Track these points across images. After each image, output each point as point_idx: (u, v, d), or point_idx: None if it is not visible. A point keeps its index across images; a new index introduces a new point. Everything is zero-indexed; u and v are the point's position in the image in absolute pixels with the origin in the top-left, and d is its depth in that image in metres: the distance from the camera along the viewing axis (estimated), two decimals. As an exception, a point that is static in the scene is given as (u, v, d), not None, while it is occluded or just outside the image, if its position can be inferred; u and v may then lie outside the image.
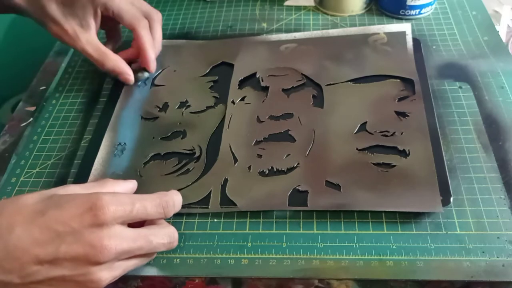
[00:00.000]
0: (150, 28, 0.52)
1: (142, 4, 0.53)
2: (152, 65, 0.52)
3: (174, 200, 0.36)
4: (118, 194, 0.34)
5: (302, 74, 0.52)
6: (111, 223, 0.32)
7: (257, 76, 0.52)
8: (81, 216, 0.31)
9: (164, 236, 0.35)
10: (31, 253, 0.30)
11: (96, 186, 0.36)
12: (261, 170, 0.43)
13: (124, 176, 0.44)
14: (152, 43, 0.52)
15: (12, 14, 0.52)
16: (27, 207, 0.32)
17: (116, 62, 0.51)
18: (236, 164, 0.44)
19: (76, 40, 0.50)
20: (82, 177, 0.45)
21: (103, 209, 0.31)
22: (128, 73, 0.52)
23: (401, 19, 0.59)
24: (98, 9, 0.50)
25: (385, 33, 0.55)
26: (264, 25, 0.61)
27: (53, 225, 0.31)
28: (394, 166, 0.42)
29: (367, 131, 0.45)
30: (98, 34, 0.52)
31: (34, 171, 0.47)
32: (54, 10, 0.49)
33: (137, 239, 0.33)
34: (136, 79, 0.54)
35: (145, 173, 0.44)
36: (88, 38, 0.50)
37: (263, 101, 0.50)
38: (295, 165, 0.43)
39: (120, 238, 0.32)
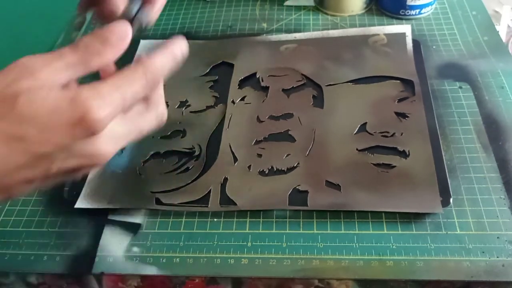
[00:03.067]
0: None
1: None
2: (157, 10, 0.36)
3: (163, 64, 0.31)
4: (105, 91, 0.27)
5: (302, 74, 0.52)
6: (104, 127, 0.27)
7: (257, 76, 0.52)
8: (70, 132, 0.26)
9: (153, 120, 0.32)
10: (18, 177, 0.27)
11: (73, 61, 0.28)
12: (261, 170, 0.43)
13: (124, 174, 0.44)
14: None
15: (11, 14, 0.52)
16: None
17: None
18: (236, 164, 0.44)
19: None
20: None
21: (94, 119, 0.26)
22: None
23: (401, 19, 0.59)
24: None
25: (385, 34, 0.55)
26: (264, 25, 0.61)
27: (38, 149, 0.26)
28: (394, 166, 0.42)
29: (367, 131, 0.45)
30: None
31: (34, 170, 0.47)
32: None
33: (130, 133, 0.30)
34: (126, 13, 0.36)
35: (145, 172, 0.44)
36: None
37: (263, 101, 0.50)
38: (295, 165, 0.43)
39: (115, 140, 0.29)
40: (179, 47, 0.32)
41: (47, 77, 0.27)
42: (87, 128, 0.26)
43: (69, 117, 0.26)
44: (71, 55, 0.28)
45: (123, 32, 0.30)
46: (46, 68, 0.27)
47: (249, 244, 0.39)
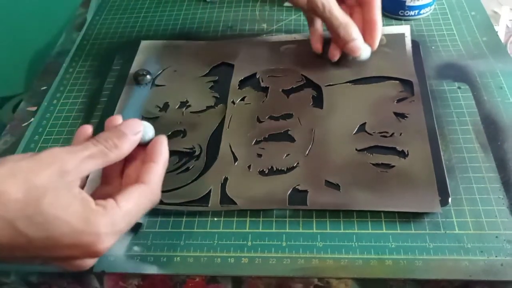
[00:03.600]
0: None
1: None
2: (377, 43, 0.49)
3: (158, 197, 0.35)
4: (118, 220, 0.31)
5: (302, 74, 0.52)
6: (101, 254, 0.31)
7: (257, 77, 0.53)
8: (71, 249, 0.30)
9: (145, 210, 0.34)
10: (12, 261, 0.31)
11: (86, 154, 0.32)
12: (261, 170, 0.43)
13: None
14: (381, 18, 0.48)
15: (12, 14, 0.52)
16: (9, 219, 0.28)
17: (355, 28, 0.48)
18: (236, 163, 0.44)
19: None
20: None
21: (99, 250, 0.30)
22: (360, 39, 0.48)
23: (400, 19, 0.59)
24: None
25: (384, 35, 0.55)
26: (264, 25, 0.61)
27: (34, 251, 0.29)
28: (393, 166, 0.42)
29: (366, 131, 0.45)
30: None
31: (35, 170, 0.47)
32: None
33: (129, 226, 0.33)
34: (139, 82, 0.54)
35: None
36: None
37: (263, 101, 0.50)
38: (295, 165, 0.43)
39: (115, 237, 0.31)
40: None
41: (73, 166, 0.30)
42: (90, 252, 0.30)
43: (78, 239, 0.29)
44: (93, 148, 0.32)
45: (136, 128, 0.35)
46: (73, 158, 0.31)
47: (249, 243, 0.39)
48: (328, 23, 0.47)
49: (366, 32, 0.48)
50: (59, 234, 0.28)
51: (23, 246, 0.28)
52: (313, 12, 0.47)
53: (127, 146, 0.34)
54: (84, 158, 0.31)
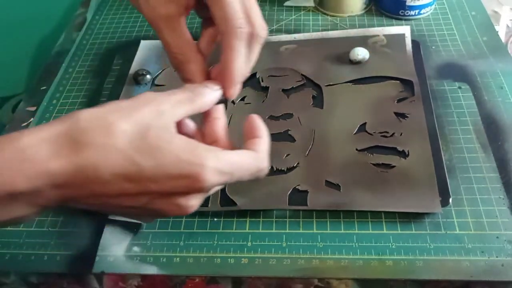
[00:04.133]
0: (248, 44, 0.35)
1: (253, 9, 0.34)
2: (233, 91, 0.36)
3: (266, 165, 0.33)
4: (223, 162, 0.30)
5: (302, 74, 0.52)
6: (207, 191, 0.30)
7: (257, 76, 0.53)
8: (176, 180, 0.28)
9: (251, 174, 0.33)
10: (116, 200, 0.29)
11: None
12: (261, 170, 0.43)
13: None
14: (244, 63, 0.36)
15: (12, 14, 0.52)
16: (120, 148, 0.28)
17: (193, 65, 0.37)
18: (236, 164, 0.44)
19: (150, 10, 0.35)
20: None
21: (203, 182, 0.29)
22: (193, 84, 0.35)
23: (401, 19, 0.59)
24: None
25: (384, 35, 0.55)
26: (264, 25, 0.61)
27: (145, 182, 0.28)
28: (394, 166, 0.42)
29: (366, 131, 0.45)
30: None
31: (35, 170, 0.47)
32: None
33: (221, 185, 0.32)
34: (139, 82, 0.54)
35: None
36: (172, 15, 0.36)
37: (263, 101, 0.50)
38: (295, 165, 0.43)
39: (204, 197, 0.31)
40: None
41: (167, 108, 0.30)
42: (194, 185, 0.29)
43: (184, 168, 0.28)
44: (182, 94, 0.32)
45: (216, 85, 0.35)
46: (167, 100, 0.31)
47: (249, 243, 0.39)
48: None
49: (222, 74, 0.36)
50: (167, 162, 0.28)
51: (134, 175, 0.28)
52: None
53: (210, 97, 0.34)
54: (176, 102, 0.31)
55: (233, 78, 0.36)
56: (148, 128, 0.29)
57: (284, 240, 0.39)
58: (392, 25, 0.58)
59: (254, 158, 0.33)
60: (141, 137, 0.28)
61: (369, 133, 0.45)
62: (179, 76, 0.38)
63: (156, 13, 0.35)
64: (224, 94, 0.36)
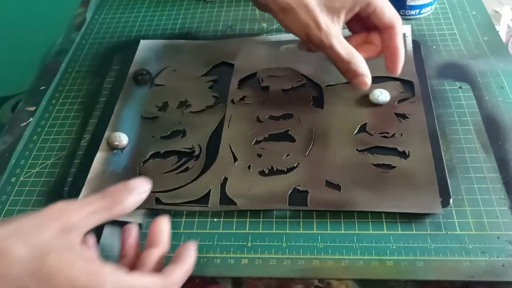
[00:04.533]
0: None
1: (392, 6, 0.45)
2: (400, 70, 0.45)
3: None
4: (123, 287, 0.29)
5: (302, 74, 0.52)
6: None
7: (257, 76, 0.52)
8: None
9: None
10: None
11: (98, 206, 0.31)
12: (261, 170, 0.43)
13: (124, 174, 0.44)
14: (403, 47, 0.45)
15: (11, 14, 0.52)
16: (15, 277, 0.27)
17: (361, 63, 0.44)
18: (236, 164, 0.44)
19: (327, 34, 0.42)
20: (81, 176, 0.45)
21: None
22: (368, 76, 0.45)
23: (401, 19, 0.59)
24: (357, 5, 0.43)
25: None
26: (264, 25, 0.61)
27: None
28: (394, 167, 0.42)
29: (367, 132, 0.45)
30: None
31: (34, 170, 0.47)
32: None
33: None
34: (138, 82, 0.53)
35: (144, 171, 0.44)
36: (338, 33, 0.43)
37: (263, 101, 0.50)
38: (295, 165, 0.43)
39: None
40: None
41: (78, 219, 0.30)
42: None
43: None
44: (98, 203, 0.32)
45: (144, 186, 0.34)
46: (79, 212, 0.30)
47: (249, 244, 0.39)
48: (330, 58, 0.44)
49: (388, 59, 0.45)
50: None
51: None
52: (312, 45, 0.45)
53: (134, 201, 0.33)
54: (90, 212, 0.31)
55: (402, 58, 0.45)
56: (48, 251, 0.28)
57: (284, 240, 0.39)
58: (393, 24, 0.58)
59: (161, 284, 0.31)
60: (40, 262, 0.28)
61: (369, 134, 0.45)
62: (346, 78, 0.45)
63: (333, 34, 0.43)
64: (393, 71, 0.45)
